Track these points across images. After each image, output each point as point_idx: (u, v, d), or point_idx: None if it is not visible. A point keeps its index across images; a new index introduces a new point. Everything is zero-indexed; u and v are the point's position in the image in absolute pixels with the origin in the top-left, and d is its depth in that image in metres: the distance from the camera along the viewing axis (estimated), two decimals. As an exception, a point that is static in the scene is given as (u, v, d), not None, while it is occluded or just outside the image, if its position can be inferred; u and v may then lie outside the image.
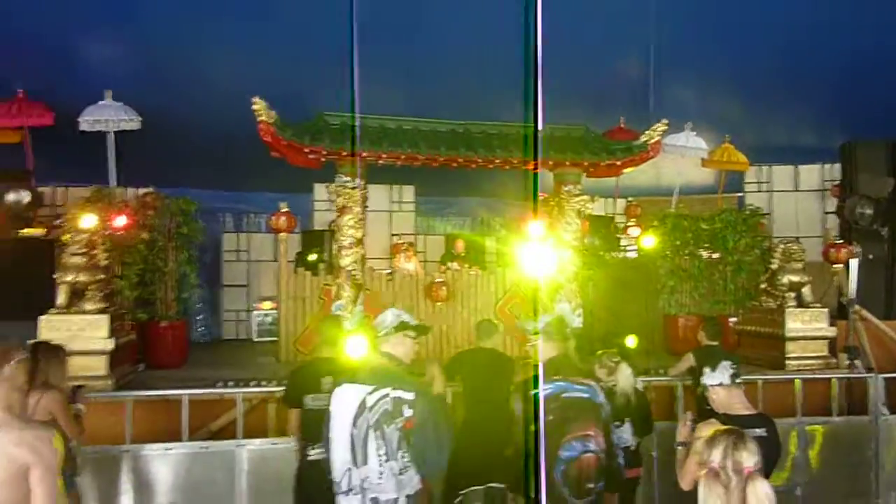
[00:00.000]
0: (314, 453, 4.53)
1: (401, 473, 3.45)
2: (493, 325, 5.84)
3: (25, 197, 8.92)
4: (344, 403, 3.53)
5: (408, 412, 3.46)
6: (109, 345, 6.55)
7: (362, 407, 3.47)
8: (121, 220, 7.90)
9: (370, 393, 3.49)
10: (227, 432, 6.28)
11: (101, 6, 8.34)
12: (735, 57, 9.74)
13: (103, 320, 6.53)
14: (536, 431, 3.34)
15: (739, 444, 2.98)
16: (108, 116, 9.16)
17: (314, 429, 4.56)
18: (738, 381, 4.02)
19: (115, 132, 9.24)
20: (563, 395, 3.75)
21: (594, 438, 3.72)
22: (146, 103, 9.39)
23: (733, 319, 9.46)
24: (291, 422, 4.79)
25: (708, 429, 3.79)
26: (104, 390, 6.26)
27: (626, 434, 4.99)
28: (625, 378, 4.98)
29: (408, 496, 3.47)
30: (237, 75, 9.06)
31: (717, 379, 3.97)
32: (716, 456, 2.95)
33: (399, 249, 11.06)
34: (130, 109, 9.26)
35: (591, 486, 3.69)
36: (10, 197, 8.78)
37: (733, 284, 10.08)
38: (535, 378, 3.80)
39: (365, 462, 3.44)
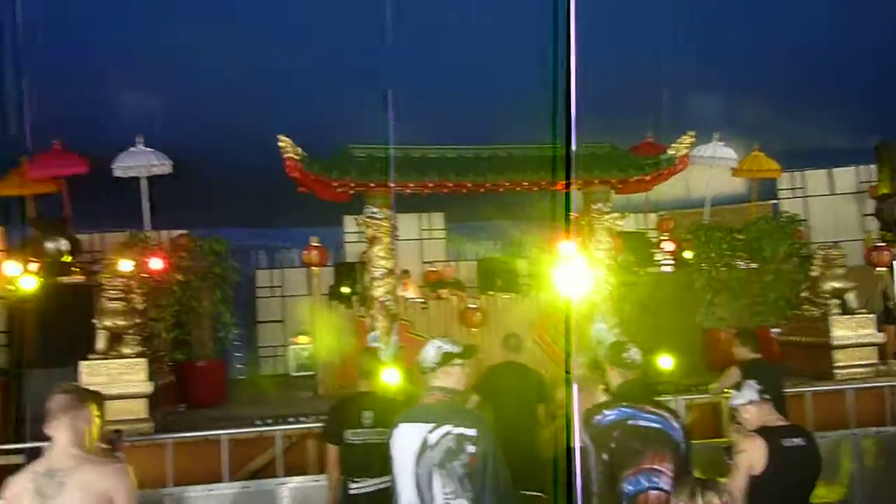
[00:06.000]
0: (355, 487, 4.51)
1: None
2: (520, 340, 5.98)
3: (64, 245, 9.13)
4: (404, 444, 3.45)
5: (471, 448, 3.35)
6: (149, 387, 6.61)
7: (424, 446, 3.38)
8: (156, 264, 8.01)
9: (430, 431, 3.39)
10: (268, 470, 6.28)
11: (127, 55, 8.54)
12: (760, 63, 9.60)
13: (142, 363, 6.60)
14: (571, 452, 3.24)
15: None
16: (140, 162, 9.36)
17: (355, 463, 4.57)
18: (765, 396, 3.92)
19: (148, 177, 9.42)
20: (629, 422, 3.46)
21: (663, 475, 3.37)
22: (176, 147, 9.58)
23: (776, 330, 9.23)
24: (330, 457, 4.76)
25: (749, 442, 3.73)
26: (145, 433, 6.30)
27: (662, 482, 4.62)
28: None
29: None
30: (262, 113, 9.19)
31: (745, 397, 3.91)
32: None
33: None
34: (161, 154, 9.44)
35: None
36: (50, 245, 8.98)
37: (773, 294, 9.86)
38: (600, 405, 3.64)
39: (432, 501, 3.36)
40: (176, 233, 9.63)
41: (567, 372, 3.90)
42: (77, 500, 2.73)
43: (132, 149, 9.43)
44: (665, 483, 3.35)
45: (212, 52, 8.50)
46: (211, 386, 8.65)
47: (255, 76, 9.10)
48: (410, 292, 10.37)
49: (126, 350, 6.70)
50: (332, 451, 4.71)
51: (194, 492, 5.57)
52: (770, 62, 9.62)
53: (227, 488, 5.65)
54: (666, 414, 3.53)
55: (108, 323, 6.67)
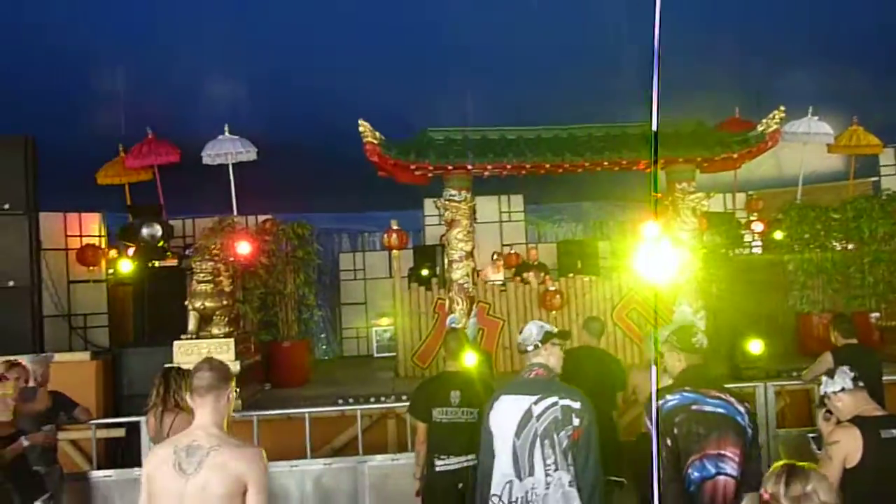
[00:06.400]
0: (441, 464, 4.58)
1: (570, 485, 3.37)
2: (601, 324, 5.88)
3: (158, 230, 9.53)
4: (505, 415, 3.48)
5: (576, 421, 3.41)
6: (236, 366, 6.85)
7: (528, 416, 3.42)
8: (244, 247, 8.27)
9: (536, 402, 3.44)
10: (350, 448, 6.43)
11: (213, 46, 8.80)
12: (855, 33, 9.05)
13: (230, 343, 6.85)
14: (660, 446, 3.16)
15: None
16: (226, 150, 9.65)
17: (441, 440, 4.64)
18: (860, 383, 3.67)
19: (234, 164, 9.74)
20: (693, 407, 3.35)
21: (731, 461, 3.25)
22: (261, 133, 9.84)
23: (875, 315, 8.75)
24: (419, 434, 4.82)
25: (844, 432, 3.51)
26: (233, 410, 6.55)
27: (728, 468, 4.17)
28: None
29: None
30: (342, 98, 9.32)
31: (838, 385, 3.66)
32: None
33: (491, 260, 11.03)
34: (247, 141, 9.72)
35: None
36: (145, 231, 9.40)
37: (872, 277, 9.34)
38: (661, 389, 3.54)
39: (530, 473, 3.38)
40: (262, 218, 9.92)
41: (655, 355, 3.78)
42: (214, 479, 2.75)
43: (219, 137, 9.75)
44: (732, 469, 3.24)
45: (290, 38, 8.68)
46: (295, 366, 8.90)
47: (335, 61, 9.24)
48: (501, 275, 10.37)
49: (215, 330, 6.96)
50: (421, 428, 4.78)
51: (278, 467, 5.75)
52: (866, 33, 9.05)
53: (309, 464, 5.82)
54: (731, 398, 3.40)
55: (198, 304, 6.94)
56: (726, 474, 3.23)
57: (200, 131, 9.80)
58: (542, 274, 10.02)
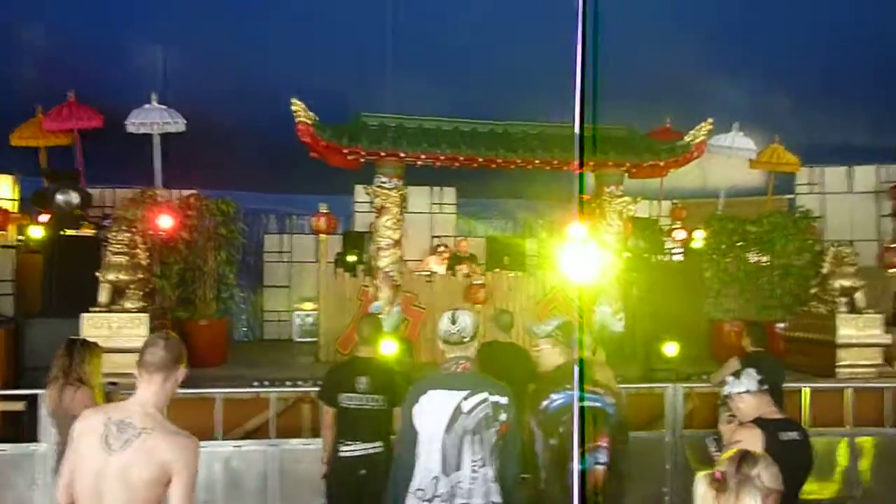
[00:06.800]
0: (346, 450, 4.55)
1: (493, 480, 3.38)
2: (511, 316, 5.83)
3: (75, 198, 9.12)
4: (433, 410, 3.41)
5: (503, 416, 3.41)
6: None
7: (458, 412, 3.38)
8: (166, 221, 8.03)
9: (466, 398, 3.40)
10: (263, 431, 6.31)
11: (146, 10, 8.49)
12: (785, 55, 9.45)
13: (143, 318, 6.64)
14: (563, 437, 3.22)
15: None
16: (153, 119, 9.33)
17: (347, 426, 4.58)
18: (764, 387, 3.80)
19: (161, 135, 9.41)
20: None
21: (605, 450, 3.49)
22: (191, 106, 9.55)
23: (781, 325, 9.15)
24: (325, 418, 4.78)
25: (746, 432, 3.64)
26: (142, 387, 6.33)
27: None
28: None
29: (493, 503, 3.39)
30: (278, 77, 9.14)
31: (743, 386, 3.77)
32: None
33: (435, 251, 11.03)
34: (175, 112, 9.41)
35: (600, 498, 3.46)
36: (60, 197, 8.98)
37: (781, 289, 9.77)
38: (546, 391, 3.63)
39: (457, 468, 3.36)
40: (186, 192, 9.63)
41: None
42: (137, 463, 2.59)
43: (146, 105, 9.41)
44: (605, 457, 3.45)
45: (231, 13, 8.46)
46: (212, 345, 8.68)
47: (274, 40, 9.04)
48: (443, 267, 10.35)
49: (128, 304, 6.74)
50: (328, 412, 4.73)
51: (186, 448, 5.60)
52: (796, 56, 9.46)
53: (219, 446, 5.69)
54: (600, 391, 3.61)
55: (111, 277, 6.70)
56: (602, 463, 3.42)
57: (127, 98, 9.44)
58: (475, 266, 10.08)
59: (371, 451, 4.52)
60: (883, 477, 6.43)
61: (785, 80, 10.03)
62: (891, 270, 8.70)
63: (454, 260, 10.79)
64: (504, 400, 3.44)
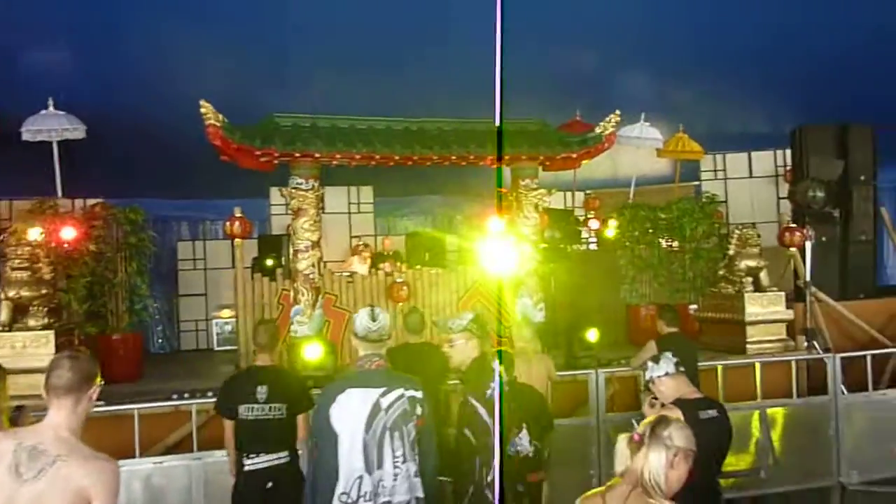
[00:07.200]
0: (249, 463, 4.43)
1: (415, 476, 3.42)
2: (420, 316, 5.78)
3: (-33, 211, 8.61)
4: (352, 409, 3.39)
5: (419, 410, 3.47)
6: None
7: (376, 409, 3.38)
8: (68, 233, 7.66)
9: (383, 395, 3.41)
10: (185, 445, 6.10)
11: (43, 12, 8.06)
12: (687, 47, 9.81)
13: (49, 336, 6.32)
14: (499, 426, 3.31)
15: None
16: (50, 126, 8.88)
17: (249, 438, 4.46)
18: (681, 368, 3.98)
19: (61, 142, 8.96)
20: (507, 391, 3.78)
21: (524, 438, 3.99)
22: (92, 112, 9.13)
23: (693, 307, 9.52)
24: (226, 432, 4.63)
25: (667, 413, 3.77)
26: (53, 408, 6.03)
27: (524, 442, 4.19)
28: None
29: (417, 498, 3.42)
30: (184, 80, 8.84)
31: (662, 369, 3.93)
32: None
33: (357, 251, 10.94)
34: (74, 118, 8.98)
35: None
36: (-49, 212, 8.46)
37: (692, 272, 10.18)
38: (486, 380, 3.71)
39: (379, 466, 3.36)
40: (91, 201, 9.21)
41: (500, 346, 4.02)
42: (52, 493, 2.42)
43: (42, 112, 8.93)
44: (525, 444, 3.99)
45: (133, 12, 8.13)
46: (126, 360, 8.33)
47: (179, 38, 8.75)
48: (366, 267, 10.24)
49: (32, 322, 6.40)
50: (228, 425, 4.60)
51: (103, 468, 5.36)
52: (697, 48, 9.84)
53: (137, 464, 5.47)
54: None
55: (12, 294, 6.35)
56: (520, 449, 3.79)
57: (21, 104, 8.93)
58: (399, 264, 10.02)
59: (276, 461, 4.42)
60: (793, 444, 6.80)
61: (687, 72, 10.42)
62: (791, 250, 9.16)
63: (378, 258, 10.72)
64: (419, 394, 3.50)
